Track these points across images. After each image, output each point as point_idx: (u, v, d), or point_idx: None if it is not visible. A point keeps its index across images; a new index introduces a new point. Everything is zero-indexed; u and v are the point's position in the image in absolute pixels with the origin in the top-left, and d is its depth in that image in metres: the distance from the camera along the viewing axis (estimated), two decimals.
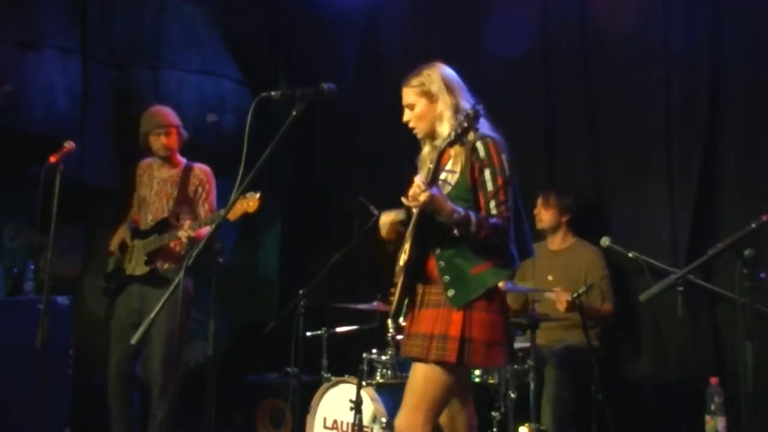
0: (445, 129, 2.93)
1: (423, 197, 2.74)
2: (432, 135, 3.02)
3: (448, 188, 2.92)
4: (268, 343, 5.11)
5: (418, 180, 2.78)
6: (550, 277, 4.54)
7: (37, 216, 3.85)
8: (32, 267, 4.81)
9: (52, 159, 3.90)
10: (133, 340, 2.68)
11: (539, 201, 4.67)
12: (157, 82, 5.71)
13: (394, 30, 5.65)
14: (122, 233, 4.55)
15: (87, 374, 5.00)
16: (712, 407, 3.92)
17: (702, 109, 4.44)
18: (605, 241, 4.40)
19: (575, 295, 4.07)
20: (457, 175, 2.93)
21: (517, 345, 4.04)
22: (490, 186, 2.86)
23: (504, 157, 2.91)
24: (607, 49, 4.82)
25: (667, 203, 4.55)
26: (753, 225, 2.78)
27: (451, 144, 2.86)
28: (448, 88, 2.99)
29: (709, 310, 4.36)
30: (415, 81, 3.02)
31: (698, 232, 4.39)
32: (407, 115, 3.04)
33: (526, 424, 3.94)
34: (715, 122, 4.41)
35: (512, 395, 3.88)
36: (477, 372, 4.25)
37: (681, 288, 3.27)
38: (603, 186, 4.84)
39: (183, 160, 4.50)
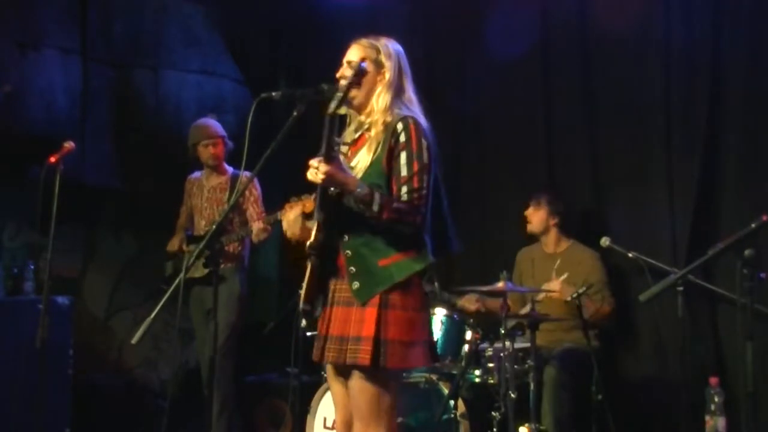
0: (380, 106, 2.72)
1: (320, 176, 2.51)
2: (362, 107, 2.79)
3: (359, 173, 2.67)
4: (268, 343, 5.10)
5: (313, 160, 2.53)
6: (549, 280, 4.51)
7: (37, 216, 3.85)
8: (32, 267, 4.82)
9: (52, 159, 3.89)
10: (134, 341, 2.72)
11: (530, 203, 4.65)
12: (157, 82, 5.72)
13: (394, 30, 5.63)
14: (177, 239, 4.86)
15: (87, 374, 5.00)
16: (712, 407, 3.93)
17: (702, 109, 4.43)
18: (605, 241, 4.39)
19: (574, 295, 4.07)
20: (368, 159, 2.69)
21: (517, 345, 4.04)
22: (404, 171, 2.61)
23: (425, 142, 2.67)
24: (607, 48, 4.82)
25: (667, 203, 4.55)
26: (753, 225, 2.79)
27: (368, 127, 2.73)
28: (399, 68, 2.78)
29: (709, 310, 4.36)
30: (369, 43, 2.81)
31: (698, 232, 4.39)
32: (347, 71, 2.76)
33: (526, 424, 3.93)
34: (715, 122, 4.41)
35: (512, 395, 3.87)
36: (477, 372, 4.26)
37: (681, 288, 3.26)
38: (603, 186, 4.84)
39: (229, 169, 4.88)
